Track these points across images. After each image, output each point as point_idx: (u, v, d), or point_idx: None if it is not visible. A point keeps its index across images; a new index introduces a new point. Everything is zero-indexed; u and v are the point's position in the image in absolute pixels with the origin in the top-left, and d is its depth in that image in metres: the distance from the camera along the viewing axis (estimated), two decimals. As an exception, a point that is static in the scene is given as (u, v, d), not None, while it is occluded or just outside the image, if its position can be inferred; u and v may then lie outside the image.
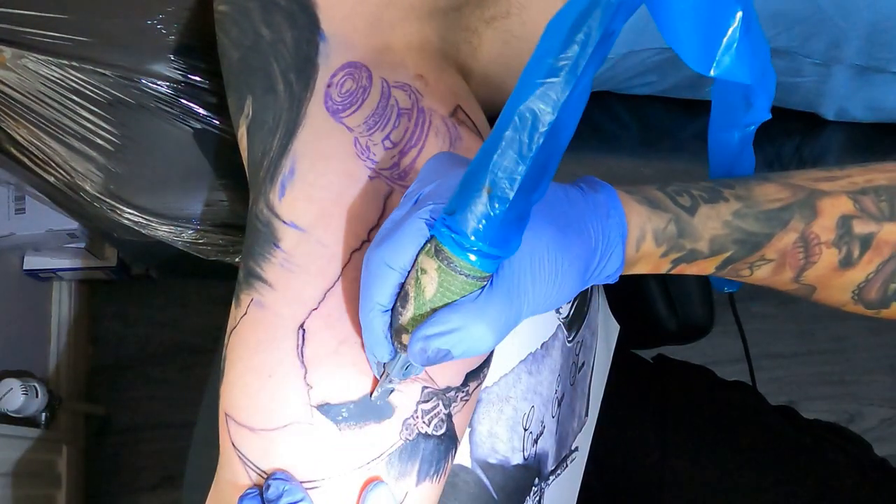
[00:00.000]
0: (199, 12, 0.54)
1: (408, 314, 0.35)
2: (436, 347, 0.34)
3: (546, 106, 0.30)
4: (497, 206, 0.31)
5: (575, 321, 0.55)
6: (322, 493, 0.39)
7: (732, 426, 0.69)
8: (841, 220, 0.40)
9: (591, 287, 0.59)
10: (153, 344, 1.29)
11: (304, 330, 0.40)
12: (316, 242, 0.41)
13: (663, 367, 0.78)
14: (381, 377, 0.40)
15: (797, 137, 0.67)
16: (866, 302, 0.42)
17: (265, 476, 0.39)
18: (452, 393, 0.43)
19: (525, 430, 0.50)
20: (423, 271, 0.34)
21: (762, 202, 0.40)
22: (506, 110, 0.31)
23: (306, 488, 0.39)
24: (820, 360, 1.37)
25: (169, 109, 0.55)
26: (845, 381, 1.37)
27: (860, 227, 0.40)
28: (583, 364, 0.58)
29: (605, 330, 0.63)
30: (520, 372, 0.50)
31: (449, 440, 0.43)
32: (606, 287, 0.64)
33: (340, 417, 0.40)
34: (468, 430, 0.47)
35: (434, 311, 0.34)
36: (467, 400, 0.44)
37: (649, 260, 0.40)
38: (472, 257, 0.33)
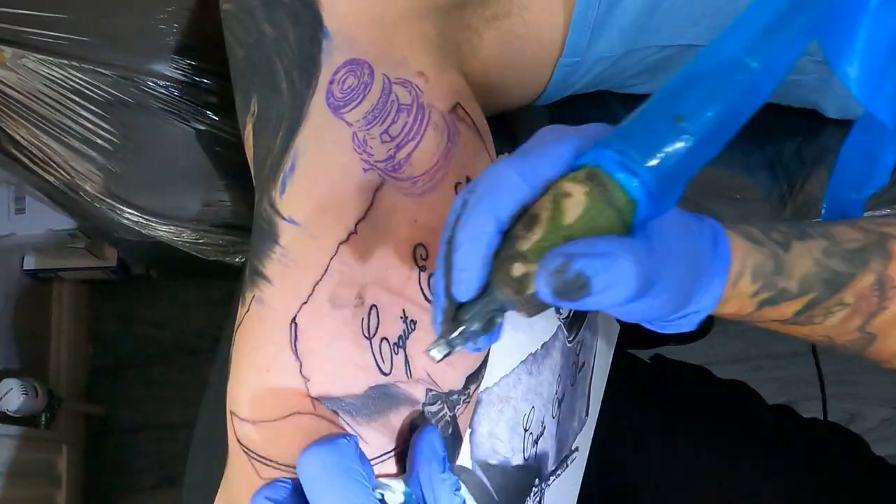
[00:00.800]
0: (199, 12, 0.54)
1: (533, 238, 0.30)
2: (577, 270, 0.28)
3: (748, 57, 0.28)
4: (686, 139, 0.28)
5: (575, 321, 0.55)
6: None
7: (731, 425, 0.69)
8: None
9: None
10: (153, 344, 1.29)
11: (296, 324, 0.39)
12: (309, 236, 0.40)
13: (661, 367, 0.78)
14: (443, 327, 0.32)
15: (798, 137, 0.67)
16: None
17: (272, 464, 0.38)
18: (455, 396, 0.43)
19: (525, 430, 0.50)
20: (566, 195, 0.30)
21: (843, 241, 0.39)
22: (705, 53, 0.29)
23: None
24: (820, 360, 1.37)
25: (169, 109, 0.55)
26: (845, 381, 1.37)
27: None
28: (583, 364, 0.58)
29: (606, 330, 0.63)
30: (520, 372, 0.50)
31: (456, 441, 0.43)
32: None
33: (345, 410, 0.39)
34: (468, 430, 0.47)
35: (567, 239, 0.29)
36: (468, 402, 0.44)
37: (738, 300, 0.38)
38: (635, 183, 0.29)
